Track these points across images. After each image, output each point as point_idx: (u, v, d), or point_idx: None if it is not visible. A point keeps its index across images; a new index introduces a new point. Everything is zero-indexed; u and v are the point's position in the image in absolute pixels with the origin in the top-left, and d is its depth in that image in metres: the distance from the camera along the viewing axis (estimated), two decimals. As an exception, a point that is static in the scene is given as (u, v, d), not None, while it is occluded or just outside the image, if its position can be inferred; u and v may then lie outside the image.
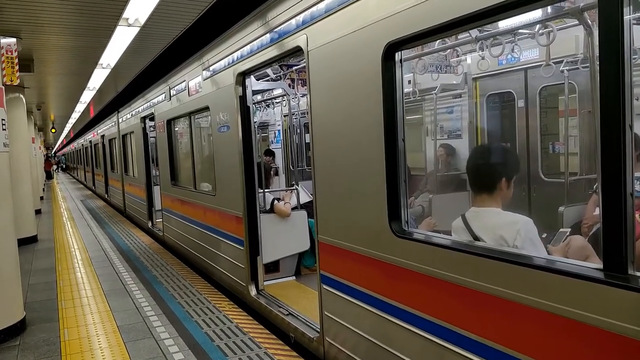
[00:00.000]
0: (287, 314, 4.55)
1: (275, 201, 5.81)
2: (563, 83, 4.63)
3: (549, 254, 2.63)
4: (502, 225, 2.58)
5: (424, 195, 5.96)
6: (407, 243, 2.85)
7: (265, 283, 5.35)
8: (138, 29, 6.73)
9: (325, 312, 3.76)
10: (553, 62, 4.20)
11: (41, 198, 18.34)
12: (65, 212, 15.14)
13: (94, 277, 6.91)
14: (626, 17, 1.77)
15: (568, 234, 2.94)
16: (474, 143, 5.99)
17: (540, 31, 3.71)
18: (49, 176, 35.30)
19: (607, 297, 1.83)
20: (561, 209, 4.34)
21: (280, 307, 4.76)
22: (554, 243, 2.95)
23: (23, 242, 9.78)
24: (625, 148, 1.78)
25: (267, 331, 4.60)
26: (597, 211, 2.85)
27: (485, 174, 2.80)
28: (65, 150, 56.24)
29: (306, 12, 3.65)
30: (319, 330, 3.92)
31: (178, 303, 5.52)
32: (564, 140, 5.05)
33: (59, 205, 17.61)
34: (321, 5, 3.43)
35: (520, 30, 3.95)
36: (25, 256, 8.55)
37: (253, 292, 5.21)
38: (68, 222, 12.81)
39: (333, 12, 3.30)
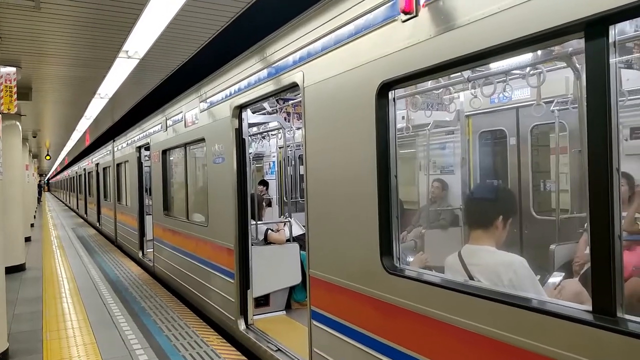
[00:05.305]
0: (276, 350, 4.47)
1: (270, 231, 5.81)
2: (554, 122, 4.73)
3: None
4: (498, 265, 2.59)
5: (416, 229, 5.97)
6: (398, 280, 2.83)
7: (255, 317, 5.27)
8: (137, 61, 6.82)
9: (315, 349, 3.71)
10: (544, 102, 4.29)
11: (32, 225, 18.16)
12: (56, 240, 14.97)
13: (81, 307, 6.79)
14: (612, 61, 1.83)
15: (561, 278, 2.94)
16: (467, 179, 6.04)
17: (530, 72, 3.82)
18: None
19: (596, 339, 1.82)
20: (552, 247, 4.34)
21: (270, 342, 4.68)
22: (546, 286, 2.94)
23: (11, 270, 9.61)
24: (613, 192, 1.81)
25: (255, 367, 4.52)
26: (589, 250, 2.88)
27: (484, 209, 2.81)
28: (59, 177, 56.03)
29: (303, 50, 3.73)
30: (308, 367, 3.85)
31: (165, 336, 5.42)
32: (555, 178, 5.11)
33: (49, 232, 17.42)
34: (318, 44, 3.52)
35: (511, 71, 4.04)
36: (12, 285, 8.40)
37: (242, 326, 5.13)
38: (58, 251, 12.65)
39: (329, 50, 3.38)
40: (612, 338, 1.77)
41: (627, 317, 1.79)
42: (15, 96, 6.12)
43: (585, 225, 3.87)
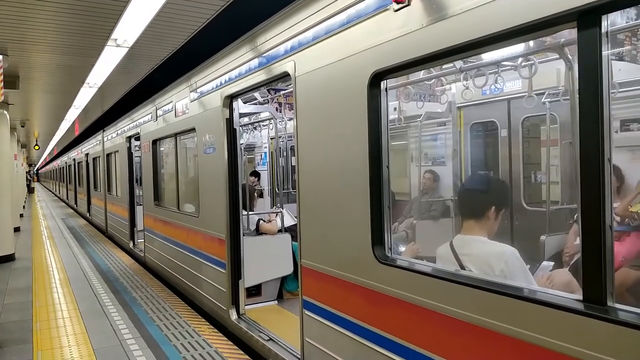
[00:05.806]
0: (268, 340, 4.48)
1: (261, 221, 5.80)
2: (545, 114, 4.74)
3: None
4: (489, 255, 2.60)
5: (408, 220, 5.99)
6: (390, 270, 2.84)
7: (247, 307, 5.27)
8: (126, 49, 6.74)
9: (307, 339, 3.72)
10: (535, 94, 4.30)
11: (21, 215, 18.01)
12: (45, 231, 14.85)
13: (72, 297, 6.75)
14: (604, 53, 1.83)
15: (551, 268, 2.95)
16: (458, 170, 6.06)
17: (522, 64, 3.82)
18: None
19: (586, 328, 1.84)
20: (543, 237, 4.38)
21: (261, 332, 4.69)
22: (536, 276, 2.96)
23: (0, 261, 9.58)
24: (604, 182, 1.81)
25: (246, 356, 4.52)
26: (578, 241, 2.91)
27: (476, 200, 2.82)
28: (48, 167, 55.54)
29: (294, 39, 3.70)
30: (299, 356, 3.86)
31: (157, 326, 5.41)
32: (546, 169, 5.14)
33: (39, 223, 17.28)
34: (309, 33, 3.49)
35: (503, 62, 4.04)
36: (1, 275, 8.36)
37: (234, 316, 5.13)
38: (47, 241, 12.56)
39: (321, 40, 3.35)
40: (602, 326, 1.78)
41: (618, 306, 1.81)
42: (2, 84, 6.03)
43: (575, 216, 3.90)
